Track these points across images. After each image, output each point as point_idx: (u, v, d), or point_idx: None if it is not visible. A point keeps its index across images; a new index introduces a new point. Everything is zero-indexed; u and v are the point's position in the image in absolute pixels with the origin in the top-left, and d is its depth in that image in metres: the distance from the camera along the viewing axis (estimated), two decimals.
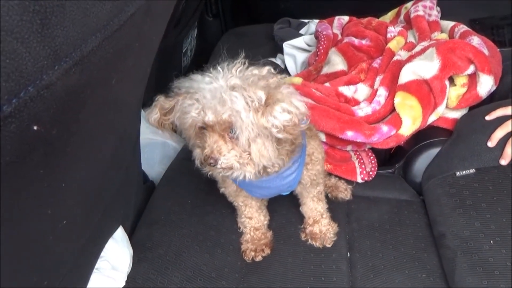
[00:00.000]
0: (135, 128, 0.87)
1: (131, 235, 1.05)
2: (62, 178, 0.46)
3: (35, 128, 0.31)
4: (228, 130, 0.71)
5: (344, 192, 1.13)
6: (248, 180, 0.78)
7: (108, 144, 0.61)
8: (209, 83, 0.70)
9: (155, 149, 1.40)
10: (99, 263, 0.88)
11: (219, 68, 0.73)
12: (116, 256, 0.93)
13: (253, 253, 0.98)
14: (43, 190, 0.42)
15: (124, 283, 0.92)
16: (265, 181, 0.86)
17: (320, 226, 1.01)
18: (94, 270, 0.87)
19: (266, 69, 0.76)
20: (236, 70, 0.73)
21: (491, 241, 0.86)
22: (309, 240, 1.01)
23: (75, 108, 0.38)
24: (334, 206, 1.10)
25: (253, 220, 1.01)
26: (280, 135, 0.71)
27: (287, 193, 1.06)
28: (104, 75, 0.41)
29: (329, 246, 1.00)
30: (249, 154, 0.73)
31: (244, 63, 0.75)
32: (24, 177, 0.35)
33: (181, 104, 0.73)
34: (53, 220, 0.51)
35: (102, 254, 0.90)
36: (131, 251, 0.98)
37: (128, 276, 0.94)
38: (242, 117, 0.68)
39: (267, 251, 0.99)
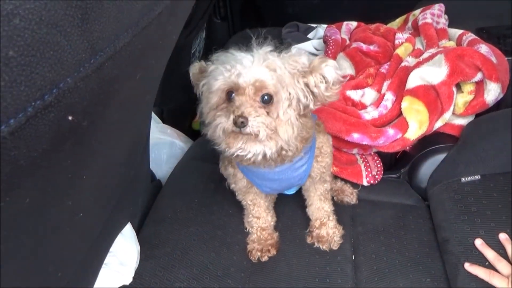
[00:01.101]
0: (147, 126, 0.88)
1: (138, 232, 1.06)
2: (83, 171, 0.47)
3: (70, 118, 0.33)
4: (259, 95, 0.71)
5: (350, 196, 1.14)
6: (263, 170, 0.80)
7: (124, 141, 0.62)
8: (247, 54, 0.73)
9: (162, 148, 1.42)
10: (108, 258, 0.89)
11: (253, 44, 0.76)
12: (124, 252, 0.94)
13: (259, 253, 0.98)
14: (67, 181, 0.44)
15: (131, 279, 0.93)
16: (278, 172, 0.86)
17: (327, 228, 1.01)
18: (103, 265, 0.88)
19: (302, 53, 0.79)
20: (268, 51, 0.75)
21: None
22: (316, 243, 1.02)
23: (104, 102, 0.39)
24: (339, 209, 1.11)
25: (260, 220, 1.01)
26: (327, 95, 0.74)
27: (294, 191, 1.07)
28: (130, 71, 0.42)
29: (335, 249, 1.01)
30: (275, 128, 0.73)
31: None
32: (54, 167, 0.37)
33: (214, 69, 0.75)
34: (72, 211, 0.52)
35: (111, 249, 0.91)
36: (139, 247, 0.99)
37: (135, 272, 0.95)
38: (284, 80, 0.71)
39: (273, 251, 1.00)
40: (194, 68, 0.83)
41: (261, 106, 0.71)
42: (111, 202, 0.79)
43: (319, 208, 1.02)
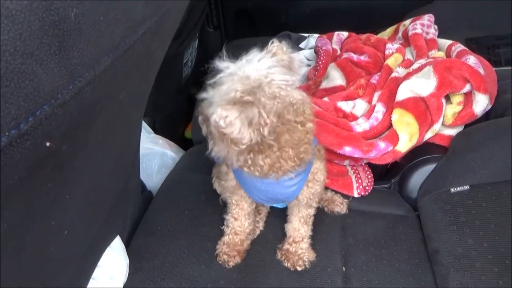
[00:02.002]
0: (136, 139, 0.88)
1: (128, 245, 1.05)
2: (67, 191, 0.47)
3: (47, 144, 0.33)
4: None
5: (340, 206, 1.14)
6: (251, 178, 0.79)
7: (111, 157, 0.62)
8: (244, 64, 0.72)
9: (153, 159, 1.41)
10: (96, 272, 0.89)
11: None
12: (112, 266, 0.93)
13: (225, 257, 0.98)
14: (49, 203, 0.43)
15: None
16: (265, 183, 0.86)
17: (297, 248, 0.99)
18: (91, 279, 0.87)
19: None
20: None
21: (484, 259, 0.87)
22: (282, 260, 0.99)
23: (85, 125, 0.39)
24: (329, 220, 1.11)
25: (237, 222, 1.00)
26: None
27: (282, 206, 1.07)
28: (113, 92, 0.42)
29: (299, 269, 0.97)
30: None
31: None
32: (33, 191, 0.36)
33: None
34: (56, 230, 0.52)
35: (99, 263, 0.90)
36: (128, 260, 0.98)
37: (124, 286, 0.94)
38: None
39: (237, 259, 0.99)
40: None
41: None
42: (99, 217, 0.78)
43: (296, 229, 1.00)
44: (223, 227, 1.04)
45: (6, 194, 0.31)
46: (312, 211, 1.00)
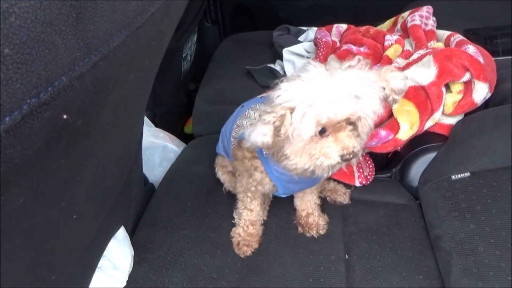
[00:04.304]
0: (140, 129, 0.88)
1: (132, 236, 1.05)
2: (77, 172, 0.47)
3: (64, 117, 0.33)
4: (349, 122, 0.74)
5: (343, 196, 1.15)
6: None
7: (118, 142, 0.62)
8: (316, 83, 0.71)
9: (155, 152, 1.41)
10: (101, 262, 0.89)
11: (310, 69, 0.74)
12: (117, 256, 0.94)
13: (245, 248, 1.00)
14: (61, 182, 0.44)
15: (125, 283, 0.93)
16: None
17: (313, 217, 1.06)
18: (96, 269, 0.87)
19: (356, 59, 0.78)
20: (323, 67, 0.74)
21: (486, 243, 0.88)
22: (306, 232, 1.05)
23: (98, 101, 0.39)
24: (332, 209, 1.12)
25: (253, 212, 1.02)
26: (398, 98, 0.77)
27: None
28: (124, 71, 0.43)
29: (322, 233, 1.05)
30: (358, 136, 0.77)
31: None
32: (48, 167, 0.37)
33: (294, 115, 0.71)
34: (66, 213, 0.52)
35: (104, 253, 0.91)
36: (132, 251, 0.99)
37: (129, 276, 0.95)
38: (369, 103, 0.72)
39: (255, 245, 1.02)
40: (268, 133, 0.73)
41: (352, 130, 0.75)
42: (105, 205, 0.79)
43: (309, 200, 1.07)
44: (235, 220, 1.06)
45: (26, 165, 0.31)
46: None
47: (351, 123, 0.74)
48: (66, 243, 0.61)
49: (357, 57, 0.77)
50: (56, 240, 0.56)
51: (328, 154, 0.74)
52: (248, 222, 1.03)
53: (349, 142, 0.73)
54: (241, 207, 1.03)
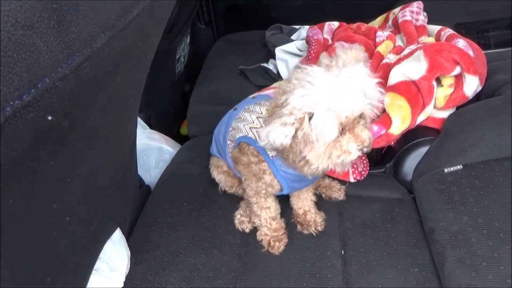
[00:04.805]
0: (133, 130, 0.89)
1: (128, 237, 1.06)
2: (68, 173, 0.48)
3: (49, 118, 0.34)
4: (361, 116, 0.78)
5: (338, 192, 1.16)
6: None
7: (110, 143, 0.63)
8: (326, 88, 0.73)
9: (150, 153, 1.42)
10: (98, 264, 0.89)
11: (310, 73, 0.75)
12: (114, 257, 0.94)
13: (277, 244, 1.01)
14: (50, 184, 0.44)
15: (122, 284, 0.93)
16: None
17: (311, 214, 1.07)
18: (93, 271, 0.88)
19: (350, 55, 0.80)
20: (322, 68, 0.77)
21: (479, 234, 0.89)
22: (304, 229, 1.06)
23: (84, 103, 0.40)
24: (327, 206, 1.13)
25: (271, 209, 1.03)
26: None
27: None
28: (110, 72, 0.43)
29: (321, 230, 1.06)
30: None
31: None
32: (37, 168, 0.37)
33: (314, 121, 0.74)
34: (58, 215, 0.52)
35: (101, 255, 0.91)
36: (129, 252, 0.99)
37: (126, 278, 0.95)
38: (375, 97, 0.76)
39: (285, 239, 1.03)
40: (289, 135, 0.76)
41: (363, 123, 0.79)
42: (100, 207, 0.79)
43: (306, 198, 1.08)
44: (256, 224, 1.06)
45: (12, 166, 0.32)
46: None
47: (360, 116, 0.77)
48: (60, 245, 0.62)
49: (349, 53, 0.80)
50: (49, 242, 0.56)
51: (349, 150, 0.78)
52: (269, 219, 1.03)
53: (365, 135, 0.78)
54: (258, 208, 1.03)
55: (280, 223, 1.05)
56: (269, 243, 1.02)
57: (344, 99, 0.72)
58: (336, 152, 0.78)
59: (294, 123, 0.74)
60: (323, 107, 0.72)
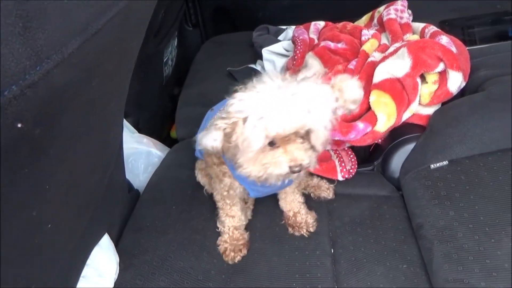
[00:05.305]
0: (118, 134, 0.88)
1: (117, 242, 1.05)
2: (46, 180, 0.47)
3: (19, 125, 0.33)
4: (300, 134, 0.75)
5: (327, 191, 1.16)
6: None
7: (92, 149, 0.62)
8: (268, 96, 0.72)
9: (139, 158, 1.41)
10: (85, 270, 0.89)
11: (264, 80, 0.75)
12: (102, 263, 0.94)
13: (232, 254, 1.00)
14: (28, 191, 0.44)
15: None
16: None
17: (301, 215, 1.07)
18: (81, 278, 0.87)
19: (312, 71, 0.80)
20: (281, 79, 0.75)
21: (465, 228, 0.90)
22: (295, 231, 1.05)
23: (58, 109, 0.40)
24: (316, 205, 1.13)
25: (235, 218, 1.03)
26: (357, 109, 0.82)
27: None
28: (84, 77, 0.43)
29: (313, 231, 1.05)
30: (313, 147, 0.78)
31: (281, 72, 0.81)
32: (9, 175, 0.37)
33: (246, 126, 0.73)
34: (39, 222, 0.52)
35: (88, 261, 0.90)
36: (118, 258, 0.99)
37: (115, 283, 0.95)
38: (319, 116, 0.73)
39: (244, 251, 1.01)
40: (218, 139, 0.76)
41: (303, 141, 0.76)
42: (85, 213, 0.78)
43: (293, 200, 1.07)
44: (218, 229, 1.05)
45: None
46: (299, 178, 1.07)
47: (303, 135, 0.75)
48: (43, 252, 0.61)
49: (313, 69, 0.79)
50: (31, 250, 0.56)
51: (278, 164, 0.76)
52: (232, 227, 1.03)
53: (298, 154, 0.75)
54: (223, 215, 1.03)
55: (242, 234, 1.04)
56: (224, 251, 1.01)
57: (279, 113, 0.71)
58: (265, 160, 0.76)
59: (225, 128, 0.74)
60: (255, 114, 0.72)
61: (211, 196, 1.13)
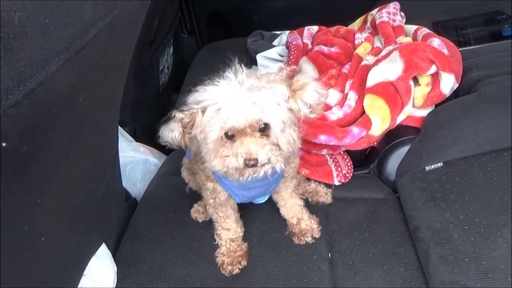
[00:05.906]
0: (112, 145, 0.88)
1: (115, 252, 1.06)
2: (36, 195, 0.48)
3: (3, 144, 0.34)
4: (257, 129, 0.75)
5: (325, 196, 1.16)
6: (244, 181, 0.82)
7: (83, 163, 0.63)
8: (227, 90, 0.74)
9: (136, 166, 1.42)
10: (83, 281, 0.89)
11: (227, 75, 0.77)
12: (99, 274, 0.94)
13: (230, 267, 0.98)
14: (17, 206, 0.44)
15: None
16: (257, 180, 0.88)
17: (305, 221, 1.05)
18: None
19: (277, 66, 0.81)
20: (244, 74, 0.77)
21: (460, 230, 0.90)
22: (301, 241, 1.04)
23: (45, 125, 0.40)
24: (313, 210, 1.13)
25: (230, 231, 1.02)
26: (312, 116, 0.79)
27: (265, 200, 1.09)
28: (71, 93, 0.44)
29: (318, 237, 1.04)
30: (278, 146, 0.78)
31: (246, 67, 0.80)
32: None
33: (204, 117, 0.75)
34: (31, 236, 0.52)
35: (85, 272, 0.91)
36: (115, 268, 0.99)
37: None
38: (274, 112, 0.74)
39: (244, 263, 1.00)
40: (177, 131, 0.78)
41: (262, 136, 0.76)
42: (79, 225, 0.79)
43: (293, 205, 1.06)
44: (216, 242, 1.05)
45: None
46: (295, 181, 1.07)
47: (262, 130, 0.76)
48: (37, 265, 0.61)
49: (279, 65, 0.82)
50: (24, 264, 0.56)
51: (233, 156, 0.77)
52: (229, 240, 1.02)
53: (253, 148, 0.75)
54: (219, 228, 1.03)
55: (240, 245, 1.03)
56: (222, 264, 1.00)
57: (235, 106, 0.72)
58: (225, 153, 0.77)
59: (183, 118, 0.75)
60: (213, 106, 0.73)
61: (195, 195, 1.13)
